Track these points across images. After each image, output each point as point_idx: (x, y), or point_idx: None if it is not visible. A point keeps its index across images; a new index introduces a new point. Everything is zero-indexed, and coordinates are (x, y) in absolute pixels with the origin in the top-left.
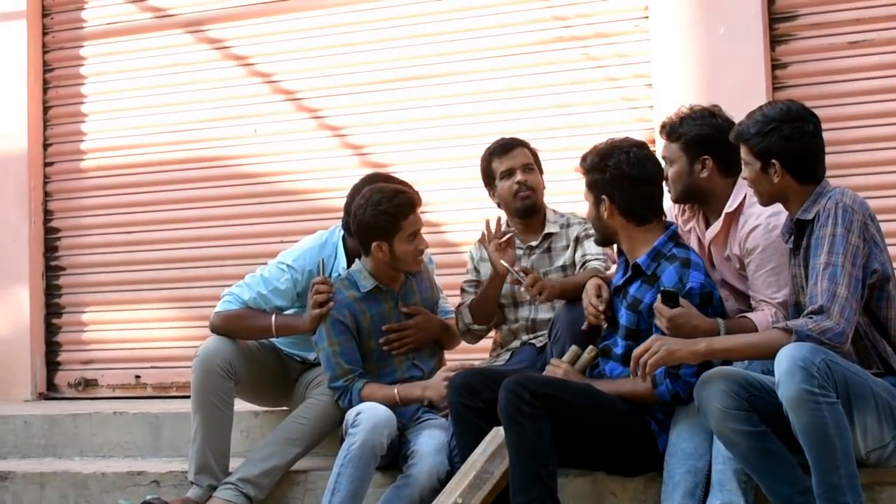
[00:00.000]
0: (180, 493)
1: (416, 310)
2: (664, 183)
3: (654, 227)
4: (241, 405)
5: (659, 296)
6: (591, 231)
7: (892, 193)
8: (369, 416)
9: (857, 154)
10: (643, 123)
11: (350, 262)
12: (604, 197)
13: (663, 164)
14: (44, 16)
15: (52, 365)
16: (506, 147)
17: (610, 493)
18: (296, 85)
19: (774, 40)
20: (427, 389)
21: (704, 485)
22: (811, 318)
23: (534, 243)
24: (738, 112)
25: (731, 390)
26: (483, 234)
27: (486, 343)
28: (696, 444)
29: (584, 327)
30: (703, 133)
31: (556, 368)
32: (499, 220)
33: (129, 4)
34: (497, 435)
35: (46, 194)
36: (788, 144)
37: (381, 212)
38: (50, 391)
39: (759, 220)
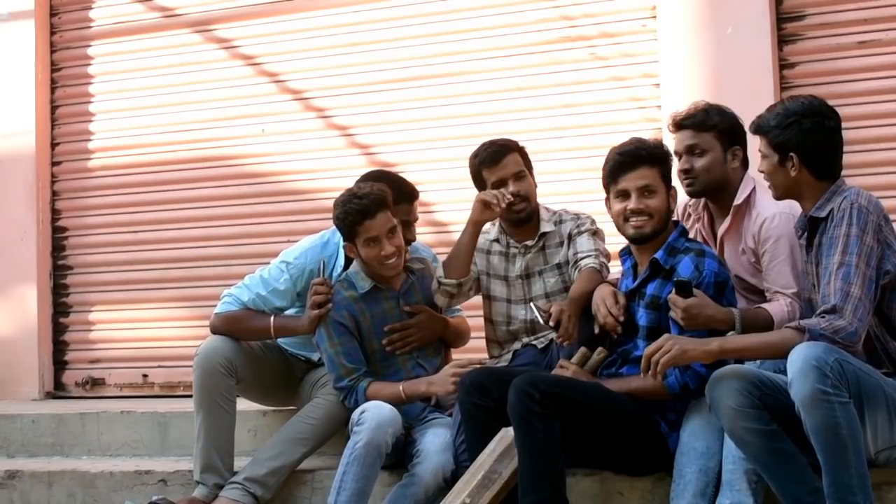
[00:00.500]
0: (188, 492)
1: (419, 308)
2: (680, 177)
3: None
4: (248, 404)
5: (673, 287)
6: (584, 227)
7: (891, 194)
8: (374, 415)
9: (864, 154)
10: (651, 123)
11: (348, 263)
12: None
13: (689, 156)
14: (52, 15)
15: (59, 364)
16: (495, 156)
17: (617, 492)
18: (301, 84)
19: (782, 40)
20: (433, 385)
21: (715, 484)
22: (824, 317)
23: (530, 243)
24: (745, 111)
25: (744, 389)
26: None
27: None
28: (708, 443)
29: (596, 332)
30: (735, 124)
31: (565, 370)
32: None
33: (136, 4)
34: (506, 435)
35: (54, 193)
36: (808, 139)
37: (335, 217)
38: (57, 390)
39: (772, 211)
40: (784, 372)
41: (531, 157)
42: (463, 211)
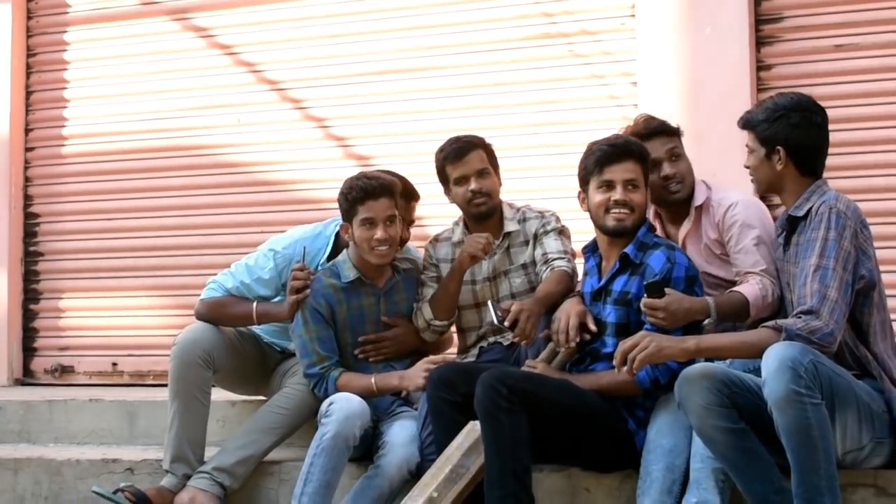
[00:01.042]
0: (155, 481)
1: (396, 321)
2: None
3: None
4: (217, 394)
5: (645, 291)
6: (550, 227)
7: (876, 197)
8: (342, 407)
9: (841, 157)
10: (628, 122)
11: (333, 258)
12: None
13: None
14: (28, 0)
15: (28, 351)
16: (459, 152)
17: (584, 489)
18: (279, 75)
19: (760, 42)
20: (404, 379)
21: (682, 482)
22: (801, 317)
23: (495, 243)
24: (722, 112)
25: (713, 387)
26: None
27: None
28: (675, 440)
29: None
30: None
31: (533, 369)
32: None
33: None
34: (473, 429)
35: (27, 179)
36: (794, 132)
37: (341, 192)
38: (26, 377)
39: (736, 198)
40: (754, 371)
41: (507, 152)
42: (440, 206)
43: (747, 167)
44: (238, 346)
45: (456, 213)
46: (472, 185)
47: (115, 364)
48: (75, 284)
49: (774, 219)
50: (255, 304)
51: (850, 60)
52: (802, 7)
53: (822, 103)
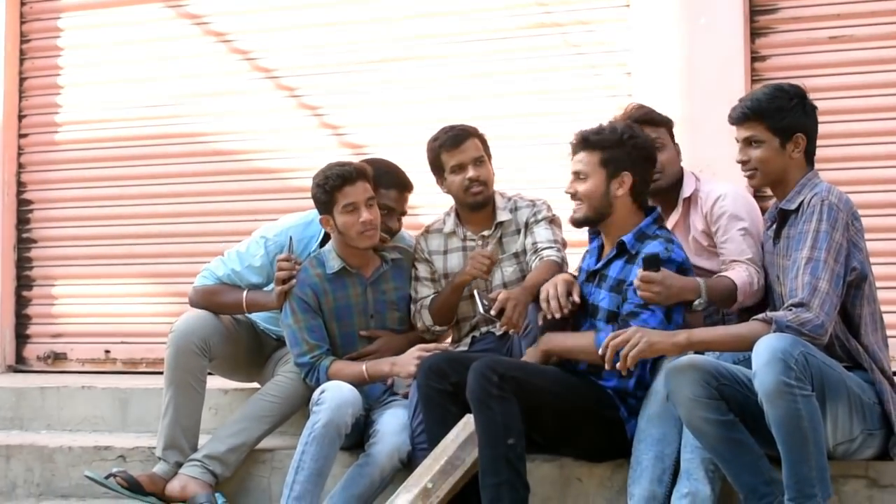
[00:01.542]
0: (146, 468)
1: (376, 333)
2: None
3: (639, 209)
4: (209, 382)
5: (642, 264)
6: (541, 216)
7: (870, 189)
8: (334, 396)
9: (834, 149)
10: (622, 112)
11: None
12: (626, 172)
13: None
14: None
15: (21, 338)
16: (456, 140)
17: (576, 478)
18: (275, 62)
19: (754, 33)
20: (396, 366)
21: (672, 472)
22: (791, 310)
23: (486, 233)
24: (716, 103)
25: (702, 379)
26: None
27: None
28: (665, 430)
29: (539, 322)
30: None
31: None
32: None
33: None
34: (469, 422)
35: (20, 166)
36: (809, 119)
37: (317, 185)
38: (19, 364)
39: (724, 190)
40: (742, 363)
41: (501, 142)
42: (431, 195)
43: (744, 161)
44: (234, 334)
45: (446, 202)
46: (470, 173)
47: (107, 351)
48: (69, 271)
49: (763, 210)
50: (244, 292)
51: (845, 52)
52: None
53: (817, 94)
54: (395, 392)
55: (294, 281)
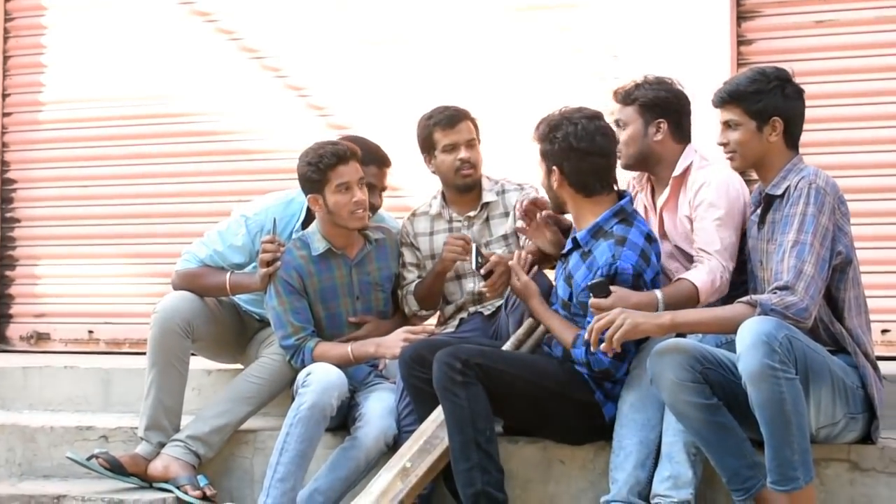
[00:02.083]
0: (129, 448)
1: (365, 319)
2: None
3: (604, 199)
4: (192, 363)
5: (590, 293)
6: (529, 199)
7: (856, 173)
8: (320, 378)
9: (820, 133)
10: (608, 94)
11: (307, 226)
12: (553, 167)
13: (616, 128)
14: None
15: (4, 317)
16: (451, 119)
17: (559, 460)
18: (258, 43)
19: (741, 16)
20: (381, 347)
21: (654, 456)
22: (776, 293)
23: (472, 214)
24: (702, 87)
25: (686, 362)
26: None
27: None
28: (648, 415)
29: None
30: (659, 97)
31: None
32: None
33: None
34: None
35: (3, 145)
36: (788, 103)
37: (307, 163)
38: (1, 344)
39: (709, 178)
40: (725, 346)
41: (485, 124)
42: (420, 177)
43: (724, 144)
44: (218, 316)
45: (432, 183)
46: (462, 154)
47: (91, 332)
48: (52, 251)
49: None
50: (228, 274)
51: (831, 36)
52: None
53: (803, 78)
54: (386, 377)
55: (279, 263)
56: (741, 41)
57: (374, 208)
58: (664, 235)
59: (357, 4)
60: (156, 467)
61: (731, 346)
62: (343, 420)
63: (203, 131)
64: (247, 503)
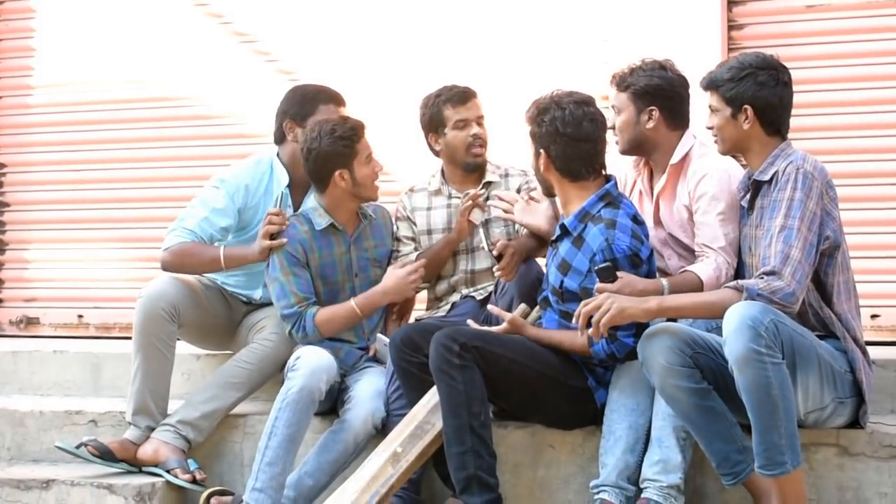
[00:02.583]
0: (118, 433)
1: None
2: (612, 133)
3: (590, 184)
4: (182, 348)
5: (597, 277)
6: (533, 184)
7: (844, 158)
8: (308, 361)
9: (811, 118)
10: (598, 78)
11: (291, 175)
12: (541, 150)
13: (612, 114)
14: None
15: None
16: (463, 96)
17: (548, 445)
18: (248, 27)
19: (732, 1)
20: (388, 294)
21: (644, 441)
22: (763, 278)
23: (471, 190)
24: (693, 72)
25: (676, 347)
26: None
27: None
28: (638, 400)
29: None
30: (652, 84)
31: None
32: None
33: None
34: None
35: None
36: (762, 91)
37: (339, 138)
38: None
39: (710, 169)
40: (716, 331)
41: None
42: (410, 160)
43: (709, 128)
44: (203, 300)
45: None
46: (475, 130)
47: (80, 316)
48: (42, 236)
49: None
50: (221, 248)
51: (822, 21)
52: None
53: (794, 64)
54: (380, 360)
55: (285, 240)
56: (732, 26)
57: None
58: (659, 222)
59: None
60: (145, 451)
61: (721, 330)
62: (332, 404)
63: (194, 115)
64: (237, 487)
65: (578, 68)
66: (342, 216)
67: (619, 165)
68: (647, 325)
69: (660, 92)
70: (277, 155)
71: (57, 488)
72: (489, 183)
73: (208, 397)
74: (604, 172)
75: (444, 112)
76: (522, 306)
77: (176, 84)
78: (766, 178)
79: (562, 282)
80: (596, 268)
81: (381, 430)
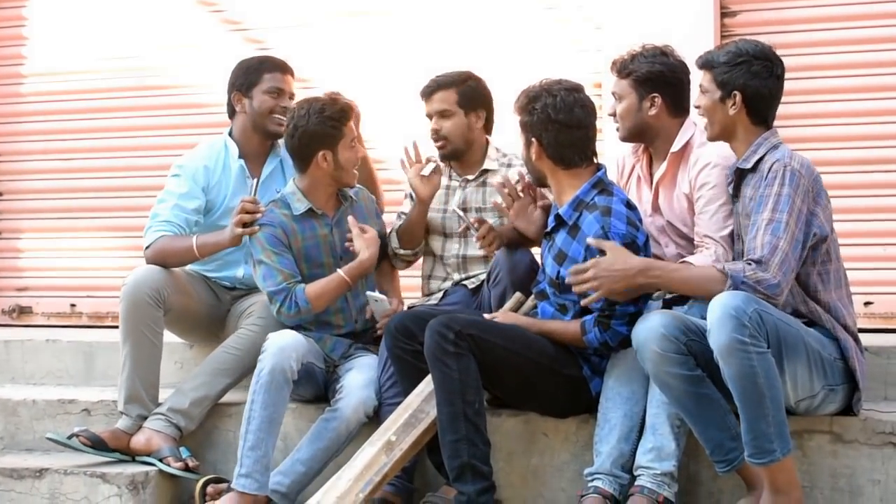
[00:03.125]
0: (111, 422)
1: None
2: (613, 120)
3: (583, 171)
4: (175, 336)
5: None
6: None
7: (838, 146)
8: (275, 341)
9: (802, 105)
10: (591, 66)
11: (242, 148)
12: (532, 139)
13: (613, 101)
14: None
15: None
16: (424, 92)
17: (542, 433)
18: (241, 15)
19: None
20: (372, 257)
21: (639, 429)
22: (750, 264)
23: (470, 177)
24: (686, 59)
25: (670, 334)
26: (402, 161)
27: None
28: (633, 388)
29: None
30: (653, 70)
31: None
32: (415, 145)
33: None
34: None
35: None
36: (753, 80)
37: (327, 118)
38: None
39: (712, 158)
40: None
41: None
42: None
43: (697, 107)
44: (187, 286)
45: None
46: (433, 125)
47: (73, 305)
48: (35, 225)
49: None
50: (193, 238)
51: (815, 8)
52: None
53: (787, 51)
54: (368, 349)
55: (256, 227)
56: (725, 13)
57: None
58: (657, 209)
59: None
60: (138, 441)
61: None
62: (323, 392)
63: (187, 104)
64: (230, 475)
65: (572, 56)
66: (320, 200)
67: (617, 151)
68: (640, 314)
69: (662, 79)
70: (230, 132)
71: (50, 477)
72: (486, 171)
73: (197, 384)
74: (595, 160)
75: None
76: (518, 295)
77: (169, 73)
78: (749, 166)
79: (558, 272)
80: (595, 259)
81: (374, 418)
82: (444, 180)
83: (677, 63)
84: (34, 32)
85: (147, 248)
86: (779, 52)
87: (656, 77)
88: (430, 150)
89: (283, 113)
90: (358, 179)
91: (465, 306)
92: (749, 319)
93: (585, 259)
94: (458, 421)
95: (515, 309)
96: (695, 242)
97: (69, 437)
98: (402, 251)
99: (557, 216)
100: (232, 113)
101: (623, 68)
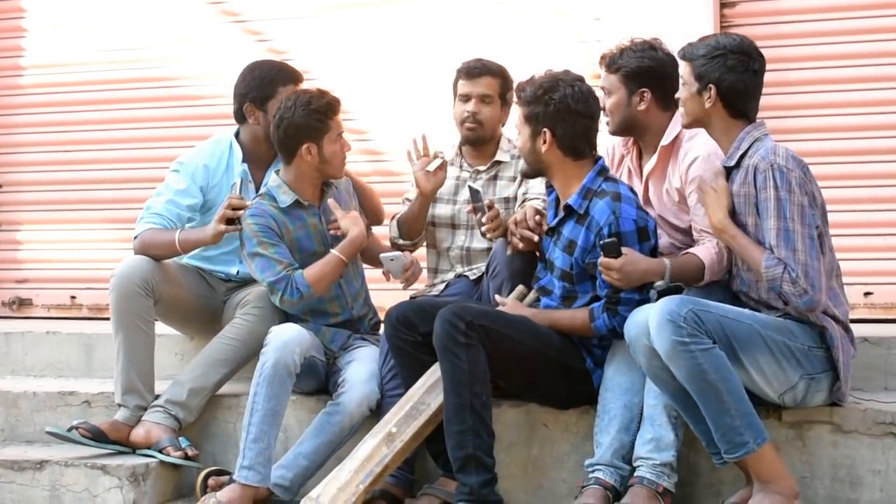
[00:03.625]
0: (111, 413)
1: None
2: (603, 114)
3: (587, 162)
4: (173, 330)
5: (601, 251)
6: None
7: (837, 136)
8: (278, 335)
9: (798, 96)
10: (590, 57)
11: (249, 155)
12: (545, 129)
13: (601, 95)
14: None
15: None
16: (470, 72)
17: (542, 424)
18: (240, 7)
19: None
20: (362, 234)
21: (638, 420)
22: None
23: (481, 168)
24: None
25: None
26: (408, 152)
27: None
28: (633, 378)
29: (508, 252)
30: (642, 65)
31: (503, 306)
32: (424, 138)
33: None
34: (437, 369)
35: None
36: (728, 75)
37: (313, 111)
38: None
39: (701, 151)
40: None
41: None
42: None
43: (677, 97)
44: (176, 275)
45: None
46: (470, 107)
47: (73, 297)
48: (34, 217)
49: None
50: (176, 233)
51: None
52: None
53: (785, 42)
54: (366, 339)
55: (240, 226)
56: (724, 4)
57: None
58: (647, 202)
59: None
60: (138, 434)
61: (730, 301)
62: (324, 384)
63: (185, 95)
64: (231, 467)
65: (571, 47)
66: (306, 191)
67: (606, 141)
68: (646, 301)
69: (651, 73)
70: (237, 133)
71: (50, 469)
72: (498, 162)
73: (195, 375)
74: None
75: (458, 83)
76: (520, 288)
77: (167, 64)
78: (732, 163)
79: (571, 263)
80: (601, 242)
81: (376, 411)
82: (455, 171)
83: (666, 57)
84: (33, 24)
85: (135, 238)
86: (777, 42)
87: (645, 72)
88: (438, 143)
89: None
90: (360, 204)
91: (466, 297)
92: (685, 320)
93: (594, 245)
94: (464, 412)
95: (519, 300)
96: (694, 237)
97: (69, 430)
98: (401, 241)
99: (566, 207)
100: (242, 119)
101: (612, 63)
